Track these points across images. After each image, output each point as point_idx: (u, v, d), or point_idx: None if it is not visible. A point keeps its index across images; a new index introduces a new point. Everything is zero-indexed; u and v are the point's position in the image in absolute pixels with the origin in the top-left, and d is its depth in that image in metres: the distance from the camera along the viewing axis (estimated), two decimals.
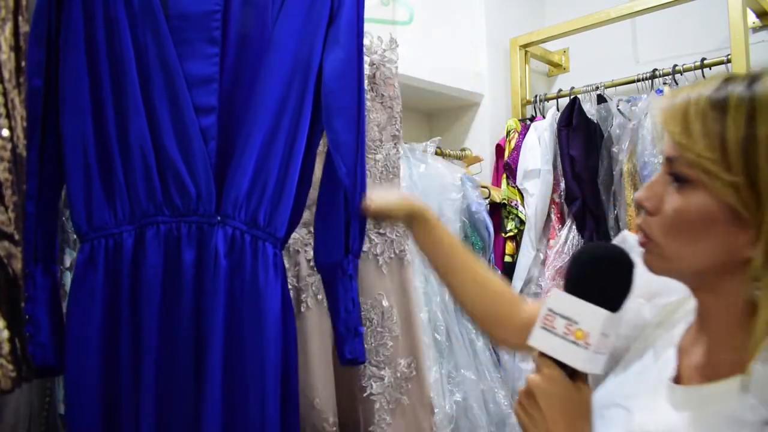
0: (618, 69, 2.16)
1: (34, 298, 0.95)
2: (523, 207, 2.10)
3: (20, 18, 0.68)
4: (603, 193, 1.93)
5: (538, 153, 2.06)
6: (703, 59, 1.87)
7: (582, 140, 1.98)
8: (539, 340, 0.67)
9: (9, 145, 0.57)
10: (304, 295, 1.22)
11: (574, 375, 0.65)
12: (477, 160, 2.23)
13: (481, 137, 2.34)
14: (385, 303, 1.28)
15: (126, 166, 0.96)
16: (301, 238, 1.23)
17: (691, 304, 0.72)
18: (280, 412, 0.94)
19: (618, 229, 1.90)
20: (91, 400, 0.94)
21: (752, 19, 1.99)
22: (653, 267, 0.69)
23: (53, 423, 1.24)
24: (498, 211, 2.15)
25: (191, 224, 0.95)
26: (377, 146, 1.34)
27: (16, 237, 0.56)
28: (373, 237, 1.30)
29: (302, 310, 1.22)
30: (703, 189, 0.63)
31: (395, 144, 1.38)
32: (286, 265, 1.19)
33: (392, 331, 1.27)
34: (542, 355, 0.67)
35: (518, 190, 2.12)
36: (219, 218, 0.95)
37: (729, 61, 1.78)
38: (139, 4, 0.96)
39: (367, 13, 1.37)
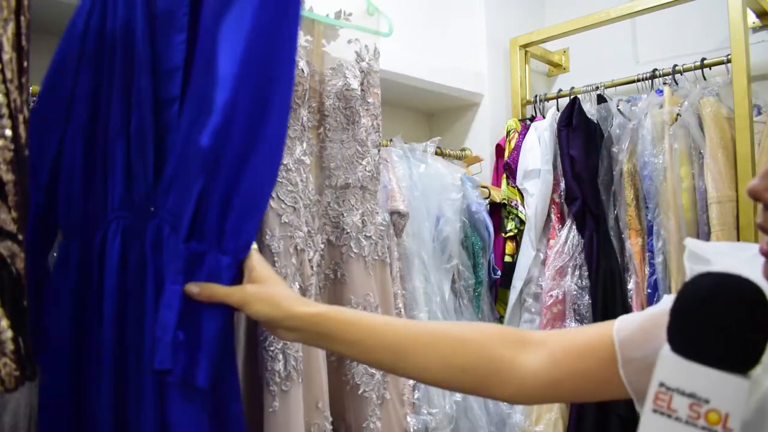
0: (618, 69, 2.17)
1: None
2: (523, 207, 2.10)
3: (22, 18, 0.68)
4: (603, 193, 1.93)
5: (538, 153, 2.06)
6: (703, 59, 1.88)
7: (582, 140, 1.98)
8: (655, 430, 0.47)
9: (12, 146, 0.57)
10: (307, 295, 1.23)
11: None
12: (477, 160, 2.23)
13: (481, 137, 2.35)
14: (372, 301, 1.33)
15: (104, 166, 0.96)
16: (305, 236, 1.23)
17: None
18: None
19: (618, 229, 1.90)
20: (61, 394, 0.93)
21: (752, 19, 1.99)
22: None
23: None
24: (498, 211, 2.16)
25: (140, 218, 0.93)
26: (365, 151, 1.39)
27: (19, 237, 0.56)
28: (361, 239, 1.36)
29: None
30: None
31: (378, 150, 1.43)
32: (295, 264, 1.20)
33: None
34: None
35: (518, 190, 2.12)
36: (152, 209, 0.92)
37: (729, 61, 1.78)
38: (132, 6, 0.96)
39: (355, 21, 1.41)
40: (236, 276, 0.85)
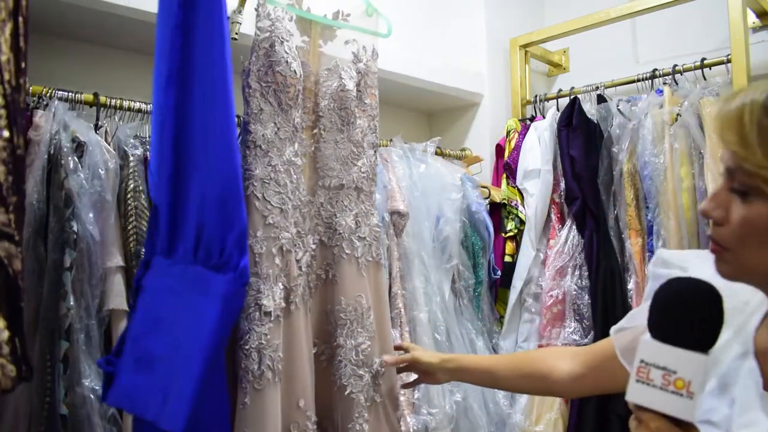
0: (618, 69, 2.16)
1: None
2: (523, 207, 2.10)
3: (20, 18, 0.68)
4: (603, 193, 1.93)
5: (538, 153, 2.06)
6: (703, 59, 1.87)
7: (582, 140, 1.98)
8: (637, 394, 0.63)
9: (9, 147, 0.57)
10: (293, 296, 1.24)
11: (679, 421, 0.62)
12: (477, 160, 2.23)
13: (481, 137, 2.35)
14: (364, 303, 1.33)
15: None
16: (292, 238, 1.23)
17: (751, 307, 0.74)
18: None
19: (618, 229, 1.90)
20: None
21: (752, 19, 1.98)
22: (727, 274, 0.70)
23: (53, 423, 1.24)
24: (498, 211, 2.15)
25: None
26: (360, 152, 1.38)
27: (16, 237, 0.56)
28: (354, 240, 1.35)
29: (291, 309, 1.23)
30: (766, 198, 0.63)
31: (375, 152, 1.43)
32: (281, 266, 1.21)
33: (369, 331, 1.32)
34: (642, 408, 0.63)
35: (518, 190, 2.12)
36: None
37: (729, 61, 1.78)
38: None
39: (353, 22, 1.41)
40: None
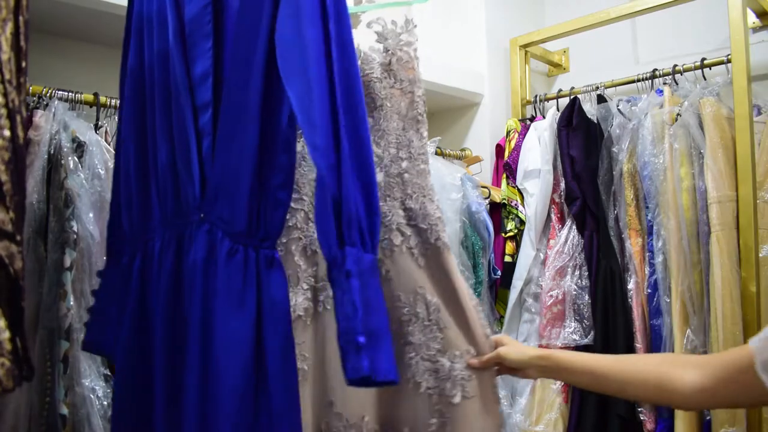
0: (618, 69, 2.17)
1: (97, 292, 1.09)
2: (523, 207, 2.10)
3: (21, 18, 0.68)
4: (603, 193, 1.93)
5: (538, 153, 2.06)
6: (703, 59, 1.87)
7: (582, 140, 1.98)
8: None
9: (10, 146, 0.57)
10: (322, 296, 1.19)
11: None
12: (477, 160, 2.24)
13: (481, 137, 2.35)
14: (428, 296, 1.21)
15: (156, 177, 1.02)
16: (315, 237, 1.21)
17: None
18: (248, 415, 0.89)
19: (618, 229, 1.90)
20: (128, 399, 0.99)
21: (752, 19, 1.99)
22: None
23: (53, 423, 1.24)
24: (498, 211, 2.15)
25: (191, 224, 0.96)
26: (399, 135, 1.26)
27: (17, 237, 0.56)
28: (404, 230, 1.23)
29: (319, 310, 1.19)
30: None
31: (418, 129, 1.27)
32: (304, 266, 1.17)
33: (440, 323, 1.20)
34: None
35: (518, 190, 2.12)
36: (201, 216, 0.95)
37: (729, 61, 1.78)
38: (165, 22, 0.99)
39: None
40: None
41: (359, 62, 1.23)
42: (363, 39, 1.26)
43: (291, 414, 0.91)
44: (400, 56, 1.27)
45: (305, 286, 1.18)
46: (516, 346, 1.20)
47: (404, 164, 1.25)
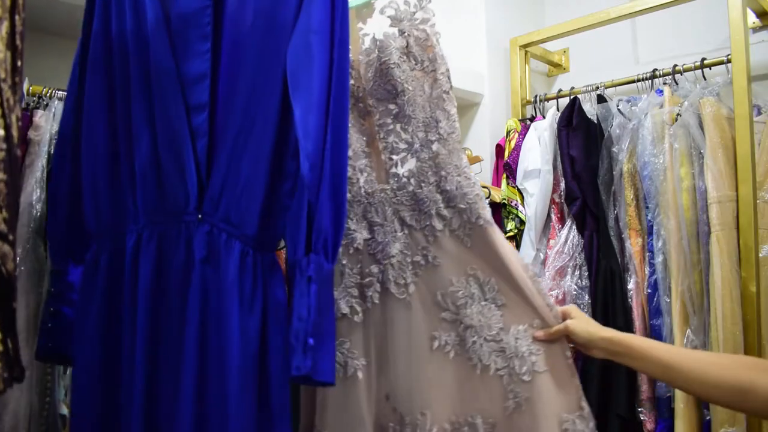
0: (618, 69, 2.16)
1: (61, 293, 1.03)
2: (523, 207, 2.10)
3: (17, 17, 0.68)
4: (603, 193, 1.93)
5: (538, 153, 2.06)
6: (703, 59, 1.87)
7: (582, 140, 1.98)
8: None
9: (4, 146, 0.57)
10: (369, 292, 1.18)
11: None
12: (477, 160, 2.23)
13: (481, 137, 2.34)
14: (480, 275, 1.18)
15: (132, 171, 0.99)
16: (363, 235, 1.18)
17: None
18: (253, 410, 0.91)
19: (618, 229, 1.90)
20: (92, 396, 0.96)
21: (752, 19, 1.98)
22: None
23: (53, 423, 1.24)
24: (498, 211, 2.15)
25: (181, 224, 0.96)
26: (426, 117, 1.21)
27: (10, 237, 0.56)
28: (444, 213, 1.20)
29: (368, 306, 1.18)
30: None
31: (445, 108, 1.23)
32: (348, 268, 1.17)
33: (498, 301, 1.17)
34: None
35: (518, 190, 2.12)
36: (200, 216, 0.95)
37: (729, 61, 1.77)
38: (145, 12, 0.97)
39: None
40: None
41: (376, 52, 1.22)
42: (379, 27, 1.25)
43: (284, 411, 0.94)
44: (417, 36, 1.24)
45: (350, 284, 1.17)
46: (584, 321, 1.15)
47: (435, 146, 1.21)
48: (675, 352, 1.07)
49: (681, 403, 1.65)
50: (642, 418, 1.75)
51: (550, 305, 1.18)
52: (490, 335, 1.15)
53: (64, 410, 1.27)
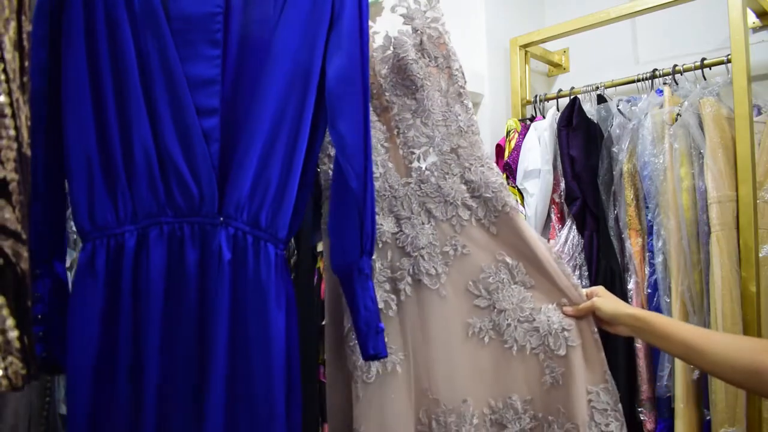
0: (618, 69, 2.17)
1: (43, 297, 0.97)
2: (523, 207, 2.10)
3: (23, 17, 0.68)
4: (603, 193, 1.93)
5: (538, 153, 2.06)
6: (703, 59, 1.88)
7: (582, 140, 1.99)
8: None
9: (15, 145, 0.57)
10: (401, 285, 1.21)
11: None
12: None
13: (481, 137, 2.34)
14: (509, 260, 1.22)
15: (128, 166, 0.97)
16: (390, 229, 1.22)
17: None
18: (285, 410, 0.96)
19: (618, 229, 1.91)
20: (89, 400, 0.94)
21: (752, 19, 1.99)
22: None
23: (53, 423, 1.24)
24: None
25: (194, 225, 0.96)
26: (445, 111, 1.26)
27: (23, 236, 0.56)
28: (470, 203, 1.24)
29: (402, 299, 1.21)
30: None
31: (462, 102, 1.27)
32: (379, 262, 1.21)
33: (526, 283, 1.23)
34: None
35: (518, 190, 2.12)
36: (222, 219, 0.96)
37: (729, 61, 1.78)
38: (139, 6, 0.96)
39: None
40: None
41: (392, 48, 1.26)
42: (389, 24, 1.29)
43: (297, 406, 1.02)
44: (430, 34, 1.27)
45: (382, 279, 1.20)
46: (610, 299, 1.20)
47: (456, 139, 1.26)
48: (698, 334, 1.08)
49: (681, 403, 1.65)
50: (642, 418, 1.76)
51: (575, 285, 1.22)
52: (523, 316, 1.20)
53: (64, 410, 1.26)
